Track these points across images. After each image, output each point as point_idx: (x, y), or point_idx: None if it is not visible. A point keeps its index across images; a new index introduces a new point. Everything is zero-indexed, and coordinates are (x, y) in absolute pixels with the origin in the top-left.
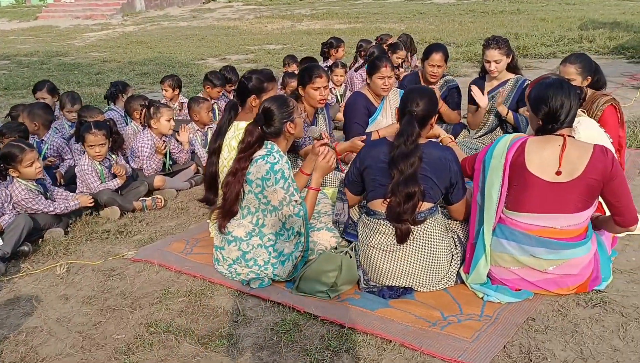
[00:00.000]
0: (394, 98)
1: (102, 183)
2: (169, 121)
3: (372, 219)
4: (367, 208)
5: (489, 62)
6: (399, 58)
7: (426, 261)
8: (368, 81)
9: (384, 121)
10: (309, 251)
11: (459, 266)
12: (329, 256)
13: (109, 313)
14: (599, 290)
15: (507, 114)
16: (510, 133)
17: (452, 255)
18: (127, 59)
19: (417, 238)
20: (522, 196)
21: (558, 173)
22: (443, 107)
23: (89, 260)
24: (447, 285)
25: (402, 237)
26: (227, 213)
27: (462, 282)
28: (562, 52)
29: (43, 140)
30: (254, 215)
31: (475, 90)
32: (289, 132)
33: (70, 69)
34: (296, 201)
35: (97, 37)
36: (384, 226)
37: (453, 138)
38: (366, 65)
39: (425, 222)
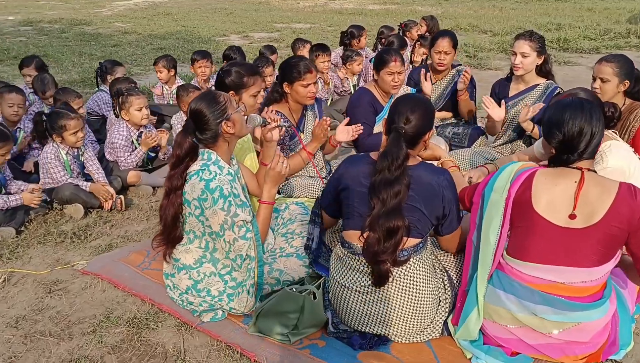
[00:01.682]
0: None
1: (68, 175)
2: (140, 110)
3: (346, 252)
4: (342, 237)
5: (515, 54)
6: (425, 54)
7: (407, 307)
8: (375, 77)
9: None
10: (276, 282)
11: (447, 314)
12: (289, 296)
13: (32, 343)
14: (616, 361)
15: (532, 130)
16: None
17: (440, 301)
18: (149, 31)
19: (397, 280)
20: (526, 241)
21: (572, 216)
22: (465, 95)
23: (34, 269)
24: (430, 337)
25: (379, 279)
26: (170, 239)
27: (450, 335)
28: (606, 47)
29: (19, 127)
30: (202, 239)
31: (487, 101)
32: (227, 132)
33: (88, 40)
34: (243, 221)
35: (125, 6)
36: (358, 263)
37: (455, 162)
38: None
39: (408, 262)
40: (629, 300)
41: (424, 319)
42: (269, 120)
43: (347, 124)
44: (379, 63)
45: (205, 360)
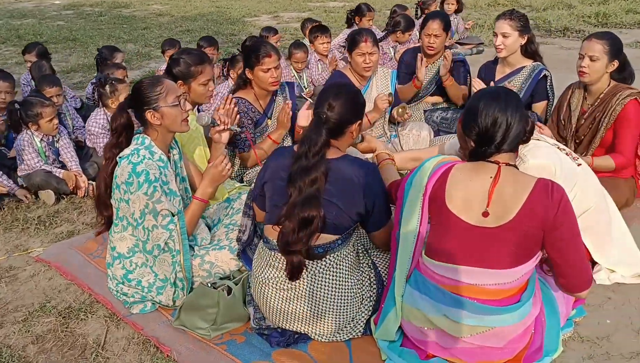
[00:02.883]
0: (382, 80)
1: (42, 161)
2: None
3: (264, 248)
4: (263, 232)
5: (496, 35)
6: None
7: (324, 305)
8: (349, 59)
9: (368, 106)
10: (207, 274)
11: (371, 312)
12: (204, 291)
13: None
14: None
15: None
16: None
17: (363, 298)
18: (182, 13)
19: (313, 277)
20: (439, 240)
21: (485, 213)
22: (449, 80)
23: None
24: (351, 336)
25: (292, 272)
26: (102, 213)
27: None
28: None
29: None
30: (115, 230)
31: (476, 83)
32: (153, 123)
33: (121, 23)
34: (167, 210)
35: None
36: (275, 259)
37: (392, 155)
38: (385, 36)
39: (325, 258)
40: (563, 304)
41: (344, 317)
42: (217, 121)
43: None
44: (350, 44)
45: (122, 352)
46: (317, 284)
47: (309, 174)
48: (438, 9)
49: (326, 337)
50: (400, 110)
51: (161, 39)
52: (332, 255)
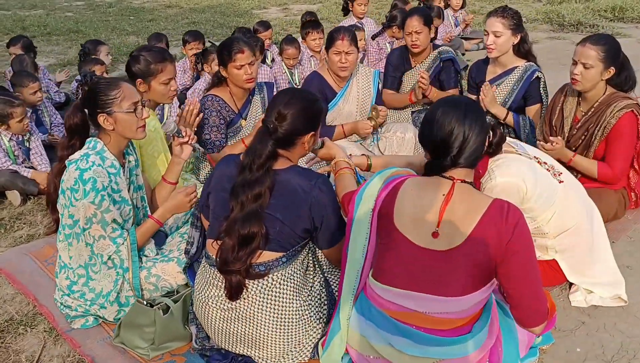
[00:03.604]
0: (364, 81)
1: (10, 161)
2: None
3: (205, 264)
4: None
5: (487, 33)
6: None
7: (267, 327)
8: (326, 58)
9: (346, 109)
10: (154, 288)
11: (321, 334)
12: (140, 309)
13: None
14: None
15: (506, 117)
16: (514, 137)
17: (311, 320)
18: (192, 5)
19: (254, 297)
20: (384, 261)
21: (435, 234)
22: (432, 91)
23: None
24: (298, 360)
25: (231, 292)
26: (53, 213)
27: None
28: None
29: None
30: (60, 239)
31: (486, 88)
32: (106, 127)
33: (128, 15)
34: (114, 220)
35: None
36: (216, 277)
37: (351, 164)
38: (381, 31)
39: (268, 276)
40: (524, 332)
41: (289, 340)
42: (183, 133)
43: None
44: (328, 42)
45: None
46: (258, 306)
47: (253, 189)
48: (442, 4)
49: (270, 360)
50: (373, 113)
51: (166, 31)
52: (275, 274)
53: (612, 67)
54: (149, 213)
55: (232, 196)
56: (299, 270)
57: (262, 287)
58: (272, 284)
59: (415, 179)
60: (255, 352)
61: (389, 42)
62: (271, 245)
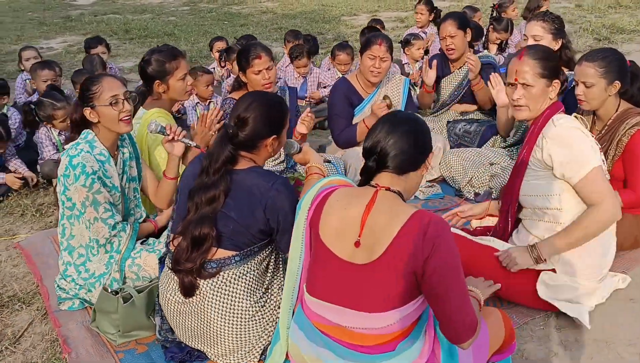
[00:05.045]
0: (394, 89)
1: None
2: None
3: (169, 259)
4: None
5: (527, 38)
6: (499, 39)
7: (215, 325)
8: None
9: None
10: (136, 277)
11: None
12: (105, 297)
13: None
14: None
15: None
16: None
17: (266, 323)
18: (287, 10)
19: (204, 294)
20: (313, 273)
21: (357, 243)
22: (479, 84)
23: None
24: (246, 360)
25: (184, 290)
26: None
27: None
28: None
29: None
30: (60, 223)
31: (494, 80)
32: (91, 120)
33: (223, 19)
34: (111, 203)
35: None
36: (172, 274)
37: (324, 170)
38: None
39: (220, 275)
40: (470, 355)
41: (238, 339)
42: (167, 131)
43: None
44: (363, 45)
45: (29, 348)
46: (209, 302)
47: (207, 192)
48: (518, 13)
49: (222, 358)
50: (381, 99)
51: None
52: (227, 272)
53: (617, 81)
54: (142, 207)
55: (189, 198)
56: (254, 270)
57: (213, 284)
58: (222, 282)
59: (342, 190)
60: (207, 347)
61: None
62: (225, 243)
